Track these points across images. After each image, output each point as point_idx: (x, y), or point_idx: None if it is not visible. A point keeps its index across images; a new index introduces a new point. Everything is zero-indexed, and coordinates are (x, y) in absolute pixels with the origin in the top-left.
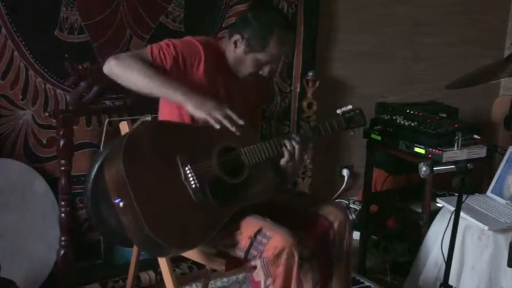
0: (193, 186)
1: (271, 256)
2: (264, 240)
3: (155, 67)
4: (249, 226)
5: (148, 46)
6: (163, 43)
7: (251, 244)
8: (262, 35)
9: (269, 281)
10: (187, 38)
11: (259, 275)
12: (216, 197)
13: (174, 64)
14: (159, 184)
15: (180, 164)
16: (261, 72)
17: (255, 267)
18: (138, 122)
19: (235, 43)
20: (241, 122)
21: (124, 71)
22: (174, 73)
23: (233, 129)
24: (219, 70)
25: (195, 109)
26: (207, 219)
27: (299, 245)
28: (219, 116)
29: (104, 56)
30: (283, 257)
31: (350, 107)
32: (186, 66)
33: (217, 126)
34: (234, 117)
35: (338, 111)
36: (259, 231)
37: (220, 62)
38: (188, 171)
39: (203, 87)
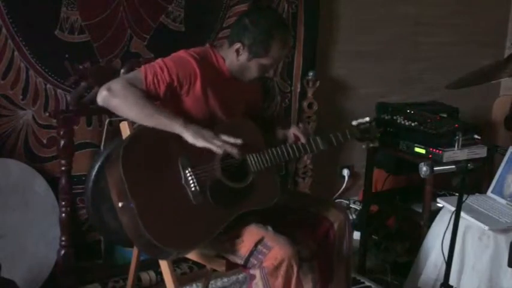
0: (193, 189)
1: (271, 267)
2: (265, 251)
3: (149, 96)
4: (251, 235)
5: (142, 68)
6: (157, 66)
7: (251, 253)
8: (264, 40)
9: None
10: (182, 53)
11: (258, 286)
12: (216, 201)
13: (168, 89)
14: (159, 187)
15: (180, 167)
16: (266, 75)
17: (253, 276)
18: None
19: (237, 51)
20: (239, 142)
21: (120, 105)
22: (168, 97)
23: (234, 151)
24: (215, 81)
25: (194, 139)
26: (206, 222)
27: (299, 245)
28: (219, 143)
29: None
30: (283, 268)
31: (367, 119)
32: (182, 88)
33: (220, 152)
34: (232, 140)
35: (354, 122)
36: (260, 240)
37: (216, 73)
38: (188, 174)
39: (200, 102)
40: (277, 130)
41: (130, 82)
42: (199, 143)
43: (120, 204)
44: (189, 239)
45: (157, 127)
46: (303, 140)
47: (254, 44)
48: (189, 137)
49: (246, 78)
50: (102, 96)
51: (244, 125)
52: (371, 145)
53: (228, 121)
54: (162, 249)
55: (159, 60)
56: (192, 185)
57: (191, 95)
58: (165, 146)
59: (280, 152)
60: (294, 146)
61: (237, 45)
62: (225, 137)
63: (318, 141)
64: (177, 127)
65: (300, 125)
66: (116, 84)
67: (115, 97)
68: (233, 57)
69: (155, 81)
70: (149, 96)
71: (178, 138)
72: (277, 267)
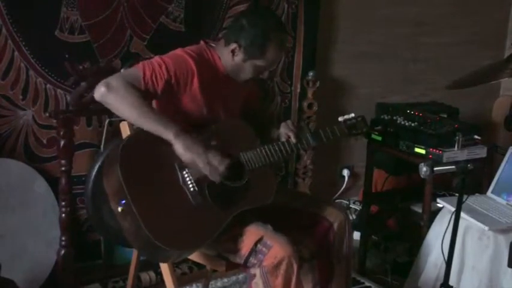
0: (192, 189)
1: (271, 266)
2: (264, 250)
3: (147, 96)
4: (250, 234)
5: (140, 65)
6: (155, 63)
7: (251, 252)
8: (260, 42)
9: None
10: (179, 52)
11: (258, 285)
12: (215, 200)
13: (166, 87)
14: (157, 189)
15: (177, 168)
16: (261, 76)
17: (253, 275)
18: None
19: (233, 52)
20: (221, 169)
21: (116, 103)
22: (166, 95)
23: (211, 177)
24: (212, 79)
25: (183, 151)
26: (206, 222)
27: (299, 245)
28: (202, 164)
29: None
30: (283, 267)
31: (352, 115)
32: (180, 85)
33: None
34: (216, 163)
35: (340, 118)
36: (260, 239)
37: (213, 71)
38: (186, 175)
39: (197, 100)
40: (272, 130)
41: (129, 80)
42: (185, 157)
43: (119, 209)
44: (191, 240)
45: (151, 131)
46: (292, 137)
47: (250, 45)
48: (179, 148)
49: (240, 79)
50: (100, 92)
51: (238, 125)
52: (358, 139)
53: (222, 122)
54: (165, 250)
55: (157, 58)
56: (191, 186)
57: (188, 93)
58: (161, 149)
59: (272, 150)
60: (286, 144)
61: (233, 45)
62: (212, 158)
63: (308, 137)
64: (170, 135)
65: (289, 122)
66: (114, 82)
67: (113, 95)
68: (229, 57)
69: (153, 77)
70: (148, 94)
71: None
72: (277, 266)
